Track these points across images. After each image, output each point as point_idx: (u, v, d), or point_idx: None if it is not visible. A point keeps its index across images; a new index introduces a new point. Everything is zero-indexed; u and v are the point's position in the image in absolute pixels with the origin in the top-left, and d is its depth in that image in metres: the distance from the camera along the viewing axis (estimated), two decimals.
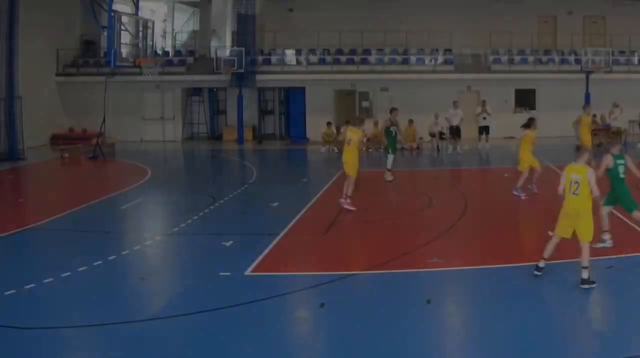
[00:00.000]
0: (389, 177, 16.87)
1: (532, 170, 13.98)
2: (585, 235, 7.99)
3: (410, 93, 26.85)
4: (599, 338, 6.63)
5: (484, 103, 24.77)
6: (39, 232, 11.70)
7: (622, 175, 9.39)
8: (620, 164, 9.34)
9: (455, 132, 24.18)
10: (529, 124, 13.96)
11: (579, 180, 8.01)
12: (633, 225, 11.00)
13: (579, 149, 8.66)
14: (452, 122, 24.06)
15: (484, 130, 24.48)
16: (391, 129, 17.16)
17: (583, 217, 8.02)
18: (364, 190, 16.20)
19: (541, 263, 8.37)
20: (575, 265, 8.25)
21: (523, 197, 13.70)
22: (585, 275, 7.84)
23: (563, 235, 8.28)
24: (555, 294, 7.81)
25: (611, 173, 9.38)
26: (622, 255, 9.31)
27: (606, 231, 9.68)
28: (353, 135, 13.02)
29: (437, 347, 6.62)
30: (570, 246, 10.09)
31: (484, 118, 24.51)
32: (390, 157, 17.02)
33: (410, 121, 24.97)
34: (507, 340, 6.57)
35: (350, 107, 28.24)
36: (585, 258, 7.90)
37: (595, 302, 7.81)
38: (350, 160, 13.01)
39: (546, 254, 8.33)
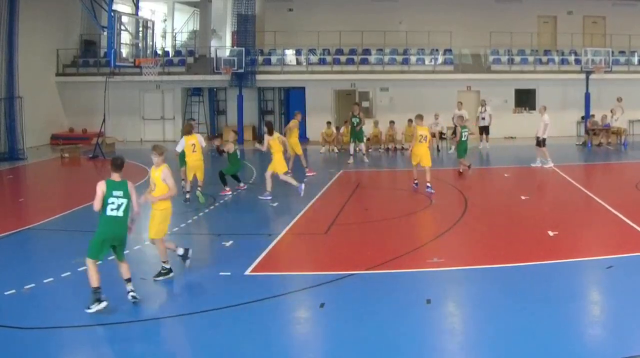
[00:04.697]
0: (351, 160, 20.84)
1: (295, 155, 17.43)
2: (426, 162, 14.36)
3: (410, 93, 26.86)
4: (599, 338, 6.63)
5: (483, 102, 24.78)
6: (39, 232, 11.71)
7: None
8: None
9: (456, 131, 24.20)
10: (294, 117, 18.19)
11: (427, 136, 14.67)
12: (633, 225, 11.02)
13: (418, 117, 14.83)
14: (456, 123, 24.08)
15: (484, 130, 24.48)
16: (352, 119, 20.73)
17: (424, 155, 14.46)
18: (365, 189, 16.23)
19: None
20: (573, 266, 8.54)
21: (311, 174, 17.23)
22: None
23: (414, 163, 14.73)
24: (554, 294, 7.81)
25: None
26: (622, 255, 9.31)
27: None
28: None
29: (436, 347, 6.62)
30: (567, 248, 10.11)
31: (483, 118, 24.51)
32: (352, 144, 21.19)
33: (410, 121, 24.96)
34: (507, 340, 6.57)
35: (350, 107, 28.19)
36: (428, 176, 14.38)
37: (595, 302, 7.82)
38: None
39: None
